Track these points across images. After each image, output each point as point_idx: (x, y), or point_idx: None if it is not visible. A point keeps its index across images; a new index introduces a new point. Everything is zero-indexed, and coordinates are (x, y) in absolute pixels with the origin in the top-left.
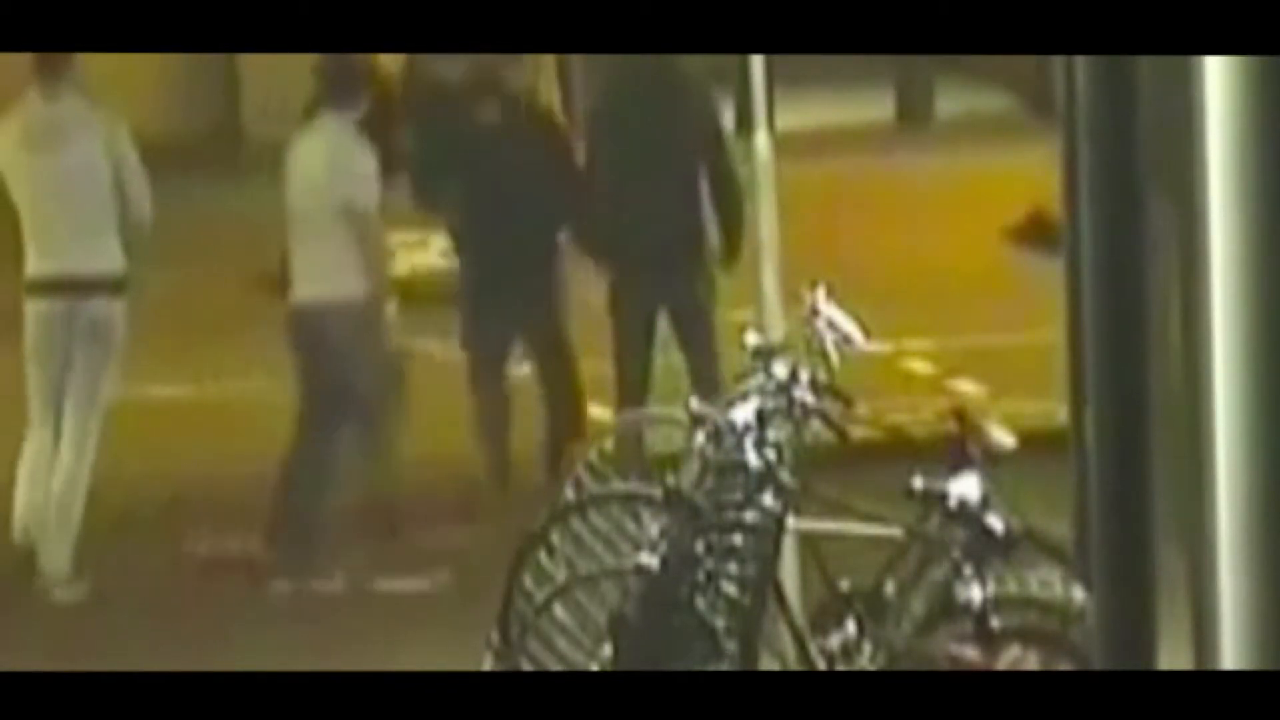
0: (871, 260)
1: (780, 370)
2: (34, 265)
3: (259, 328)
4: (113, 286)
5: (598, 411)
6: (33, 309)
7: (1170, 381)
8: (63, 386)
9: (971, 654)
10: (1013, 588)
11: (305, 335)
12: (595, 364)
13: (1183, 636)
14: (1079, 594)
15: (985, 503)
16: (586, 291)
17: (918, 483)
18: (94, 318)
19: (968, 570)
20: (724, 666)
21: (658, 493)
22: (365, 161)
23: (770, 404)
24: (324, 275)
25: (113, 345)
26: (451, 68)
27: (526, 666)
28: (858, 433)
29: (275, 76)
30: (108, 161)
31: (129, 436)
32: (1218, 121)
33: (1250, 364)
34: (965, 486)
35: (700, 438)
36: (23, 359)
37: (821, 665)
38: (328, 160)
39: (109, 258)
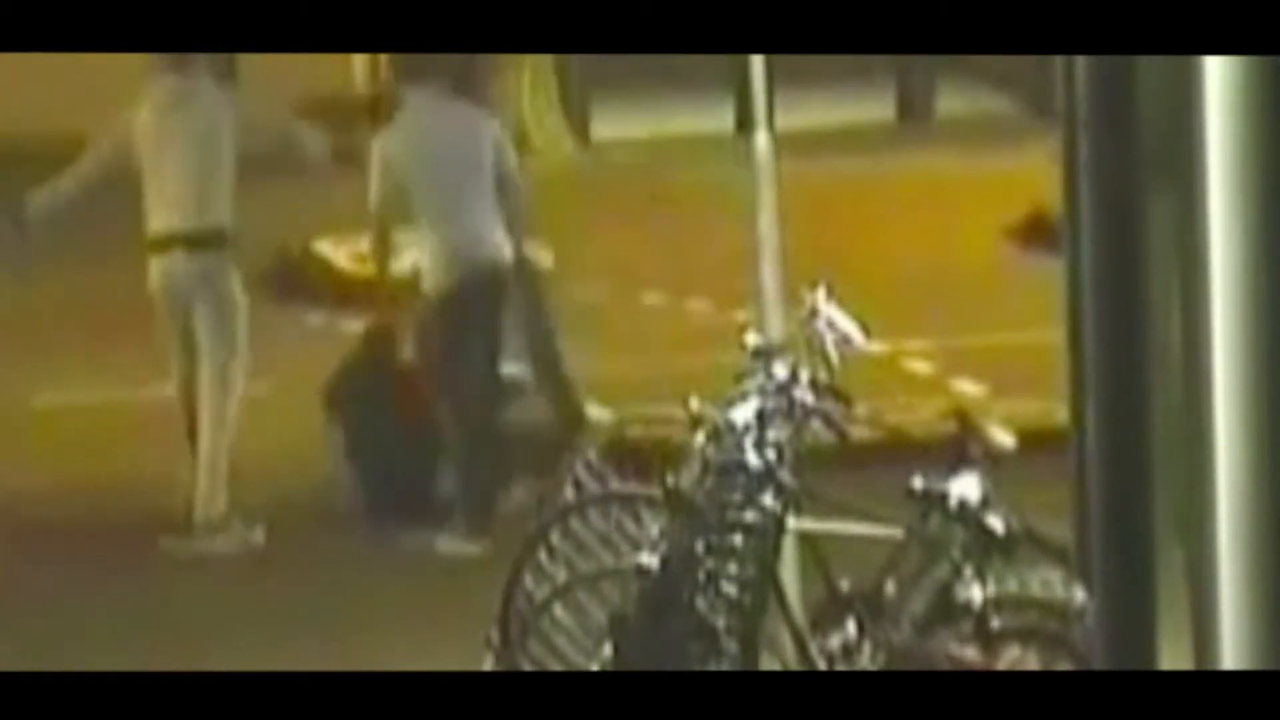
0: (871, 260)
1: (780, 370)
2: (152, 223)
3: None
4: (221, 239)
5: (598, 412)
6: (153, 264)
7: (1170, 381)
8: (190, 337)
9: (971, 654)
10: (1013, 588)
11: (467, 307)
12: (596, 364)
13: (1183, 636)
14: (1079, 594)
15: (985, 503)
16: (585, 292)
17: (918, 483)
18: (206, 269)
19: (968, 570)
20: (724, 666)
21: (658, 493)
22: (492, 123)
23: (770, 404)
24: (480, 244)
25: (229, 292)
26: None
27: (526, 666)
28: (858, 433)
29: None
30: (226, 130)
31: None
32: (1218, 121)
33: (1250, 364)
34: (965, 486)
35: (700, 438)
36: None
37: (821, 665)
38: (454, 132)
39: (219, 213)
